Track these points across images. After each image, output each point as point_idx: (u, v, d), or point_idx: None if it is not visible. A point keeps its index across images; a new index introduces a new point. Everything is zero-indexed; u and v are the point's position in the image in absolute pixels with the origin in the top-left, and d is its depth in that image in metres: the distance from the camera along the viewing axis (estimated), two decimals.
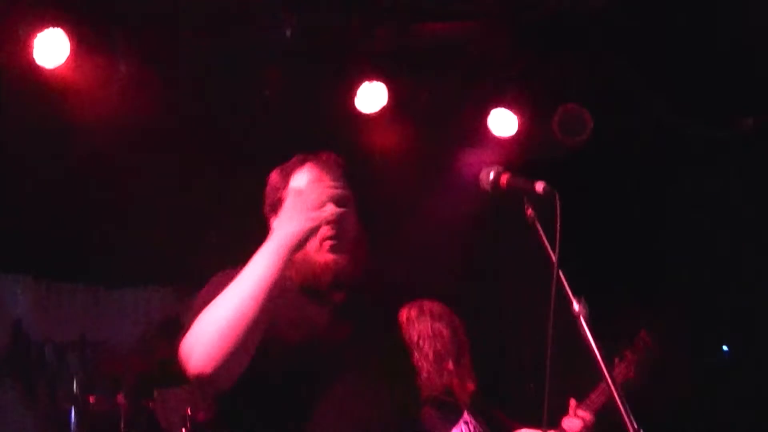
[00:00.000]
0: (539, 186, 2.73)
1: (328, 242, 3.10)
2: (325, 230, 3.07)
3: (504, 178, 2.85)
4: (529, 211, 2.75)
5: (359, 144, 6.96)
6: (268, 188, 3.35)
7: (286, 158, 6.95)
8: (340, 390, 2.95)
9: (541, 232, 2.69)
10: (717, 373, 7.81)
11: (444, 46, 6.67)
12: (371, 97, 6.79)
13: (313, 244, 3.06)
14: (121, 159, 6.82)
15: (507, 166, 2.96)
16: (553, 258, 2.62)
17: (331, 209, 3.03)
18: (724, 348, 8.44)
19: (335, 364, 3.01)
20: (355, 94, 6.79)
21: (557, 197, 2.66)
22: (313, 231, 2.93)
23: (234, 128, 7.04)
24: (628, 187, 7.62)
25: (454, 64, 6.81)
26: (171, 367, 7.48)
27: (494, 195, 2.89)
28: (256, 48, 6.57)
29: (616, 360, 4.87)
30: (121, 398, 6.52)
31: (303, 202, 2.96)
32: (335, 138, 6.77)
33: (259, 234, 7.42)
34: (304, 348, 3.00)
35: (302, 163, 3.27)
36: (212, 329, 2.81)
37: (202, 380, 2.80)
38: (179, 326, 8.50)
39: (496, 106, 7.09)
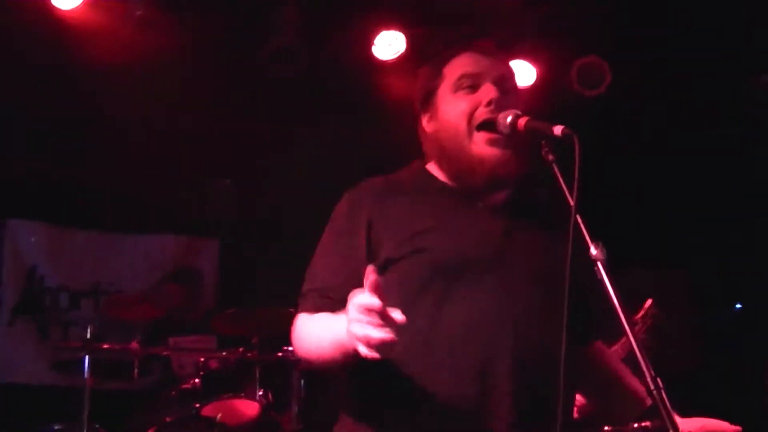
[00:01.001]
0: (558, 129, 2.66)
1: (485, 133, 2.86)
2: (482, 113, 2.88)
3: (522, 122, 2.78)
4: (549, 155, 2.69)
5: (375, 90, 6.92)
6: (418, 84, 3.09)
7: (301, 102, 7.02)
8: (487, 298, 2.74)
9: (560, 177, 2.64)
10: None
11: None
12: (389, 44, 6.76)
13: (467, 133, 2.88)
14: (136, 103, 6.80)
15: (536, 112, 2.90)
16: (571, 202, 2.57)
17: (487, 89, 2.90)
18: (737, 306, 8.47)
19: (484, 278, 2.77)
20: (372, 41, 6.75)
21: (576, 140, 2.59)
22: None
23: (248, 72, 6.99)
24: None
25: (472, 14, 6.73)
26: (185, 314, 7.58)
27: (512, 138, 2.83)
28: None
29: None
30: (135, 345, 6.51)
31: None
32: (352, 83, 6.75)
33: (273, 179, 7.40)
34: (451, 249, 2.79)
35: (457, 52, 3.03)
36: (296, 346, 2.91)
37: None
38: (194, 272, 8.47)
39: (515, 57, 7.03)
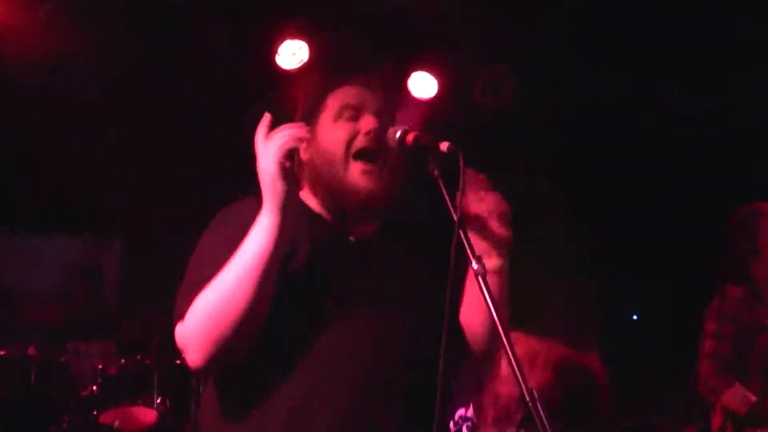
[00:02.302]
0: (444, 145, 2.73)
1: (361, 164, 2.90)
2: (360, 141, 2.92)
3: (410, 137, 2.84)
4: (434, 171, 2.75)
5: (280, 100, 6.92)
6: (297, 112, 3.08)
7: (206, 109, 7.00)
8: (354, 330, 2.76)
9: (444, 192, 2.70)
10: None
11: (367, 6, 6.65)
12: (292, 53, 6.77)
13: (343, 163, 2.90)
14: (44, 101, 6.74)
15: (426, 127, 2.96)
16: (455, 217, 2.63)
17: (367, 120, 2.94)
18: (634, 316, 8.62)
19: (349, 303, 2.81)
20: (276, 50, 6.76)
21: (461, 157, 2.66)
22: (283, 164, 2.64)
23: (154, 77, 6.96)
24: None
25: (377, 24, 6.78)
26: (86, 319, 7.51)
27: (401, 153, 2.89)
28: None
29: None
30: (32, 350, 6.46)
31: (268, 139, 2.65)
32: (256, 93, 6.75)
33: (182, 174, 7.33)
34: (315, 283, 2.79)
35: (340, 83, 3.05)
36: (203, 322, 2.65)
37: (201, 371, 2.72)
38: (97, 272, 8.36)
39: (418, 68, 7.09)
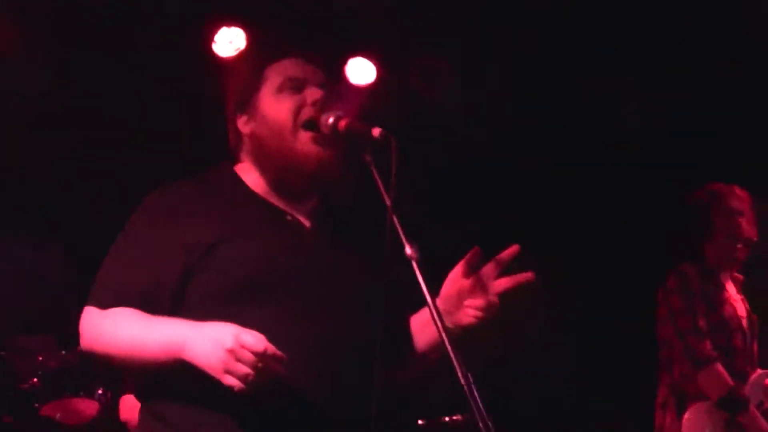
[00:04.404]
0: (376, 131, 2.74)
1: (309, 133, 2.91)
2: (307, 111, 2.93)
3: (343, 123, 2.85)
4: (366, 156, 2.76)
5: (216, 88, 6.88)
6: (234, 85, 3.13)
7: (144, 104, 6.93)
8: (294, 311, 2.74)
9: (377, 177, 2.70)
10: None
11: None
12: (229, 41, 6.73)
13: (291, 131, 2.91)
14: None
15: (362, 114, 2.97)
16: (388, 202, 2.64)
17: (312, 91, 2.95)
18: None
19: (293, 279, 2.80)
20: (213, 38, 6.71)
21: (393, 142, 2.67)
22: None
23: (94, 75, 6.89)
24: None
25: (314, 11, 6.75)
26: (24, 316, 7.43)
27: (334, 139, 2.89)
28: None
29: None
30: None
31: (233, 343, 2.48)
32: (193, 81, 6.71)
33: (126, 173, 7.28)
34: (258, 259, 2.79)
35: (280, 56, 3.07)
36: (98, 347, 2.87)
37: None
38: (36, 275, 8.25)
39: (356, 54, 7.07)
